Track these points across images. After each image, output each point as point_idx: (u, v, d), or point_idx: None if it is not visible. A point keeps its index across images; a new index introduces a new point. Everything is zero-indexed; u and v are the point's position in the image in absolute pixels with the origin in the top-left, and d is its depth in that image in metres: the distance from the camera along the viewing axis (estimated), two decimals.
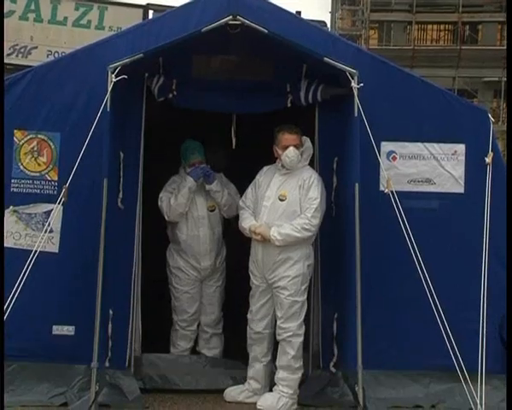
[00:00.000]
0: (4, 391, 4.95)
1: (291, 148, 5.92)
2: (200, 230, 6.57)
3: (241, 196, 6.33)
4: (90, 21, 17.76)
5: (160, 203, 6.51)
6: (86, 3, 17.88)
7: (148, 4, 18.40)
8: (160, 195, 6.55)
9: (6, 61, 17.29)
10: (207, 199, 6.61)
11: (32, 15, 17.59)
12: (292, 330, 5.89)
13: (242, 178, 6.53)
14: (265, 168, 6.24)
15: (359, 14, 39.09)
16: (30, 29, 17.43)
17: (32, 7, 17.64)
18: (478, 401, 5.35)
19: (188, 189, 6.43)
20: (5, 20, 17.79)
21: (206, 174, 6.48)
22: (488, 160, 6.01)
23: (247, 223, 6.03)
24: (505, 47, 34.20)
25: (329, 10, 42.47)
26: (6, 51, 17.57)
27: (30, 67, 6.51)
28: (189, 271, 6.62)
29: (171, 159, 6.86)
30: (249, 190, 6.22)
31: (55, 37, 17.45)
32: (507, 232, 5.86)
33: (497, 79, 34.53)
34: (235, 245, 6.53)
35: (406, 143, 6.10)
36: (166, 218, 6.55)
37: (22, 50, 17.21)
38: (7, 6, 18.00)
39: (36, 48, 17.26)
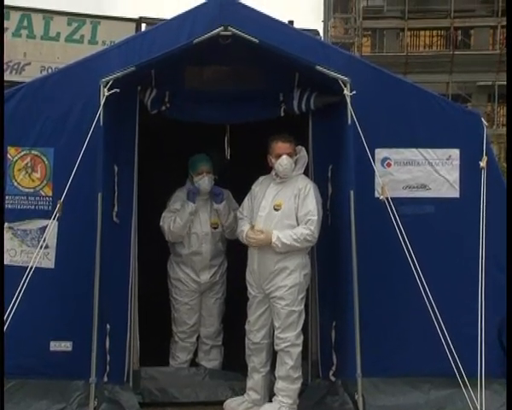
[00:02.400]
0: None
1: (284, 156, 5.92)
2: (202, 246, 6.57)
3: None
4: (82, 36, 17.79)
5: (161, 223, 6.52)
6: (79, 18, 17.92)
7: (140, 18, 18.45)
8: (163, 214, 6.55)
9: None
10: (211, 216, 6.60)
11: (24, 32, 17.61)
12: (290, 340, 5.87)
13: (238, 189, 6.52)
14: (261, 178, 6.24)
15: (352, 22, 39.23)
16: (23, 45, 17.45)
17: (25, 23, 17.67)
18: (478, 407, 5.33)
19: (188, 214, 6.44)
20: None
21: (216, 194, 6.50)
22: (482, 164, 6.00)
23: (246, 227, 6.02)
24: (498, 51, 34.44)
25: (322, 19, 42.62)
26: None
27: (24, 83, 6.49)
28: (189, 283, 6.61)
29: (169, 166, 6.86)
30: (246, 201, 6.23)
31: (48, 52, 17.47)
32: (507, 237, 5.84)
33: (490, 83, 34.64)
34: (237, 257, 6.49)
35: (400, 150, 6.09)
36: (167, 239, 6.56)
37: (16, 67, 17.22)
38: None
39: (29, 64, 17.28)
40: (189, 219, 6.45)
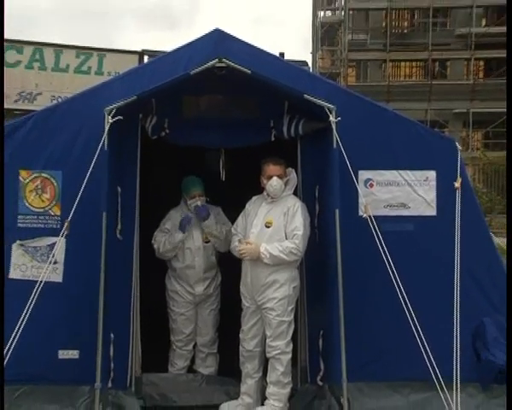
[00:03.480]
0: None
1: (274, 178, 5.94)
2: (195, 260, 6.55)
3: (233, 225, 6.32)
4: (90, 68, 17.90)
5: (153, 241, 6.51)
6: (86, 51, 18.05)
7: (143, 50, 18.56)
8: (155, 233, 6.53)
9: (14, 106, 17.42)
10: (203, 231, 6.58)
11: (36, 64, 17.73)
12: (280, 348, 5.86)
13: (233, 208, 6.52)
14: (254, 198, 6.25)
15: (338, 54, 39.51)
16: (35, 77, 17.56)
17: (37, 56, 17.79)
18: (454, 408, 5.32)
19: (177, 241, 6.43)
20: (12, 70, 18.09)
21: (198, 211, 6.45)
22: (457, 184, 6.03)
23: (239, 243, 6.03)
24: (472, 81, 34.73)
25: (311, 51, 42.87)
26: (13, 98, 17.73)
27: (35, 111, 6.50)
28: (185, 295, 6.60)
29: (169, 184, 6.88)
30: (240, 218, 6.24)
31: (58, 83, 17.56)
32: (507, 244, 5.85)
33: (465, 110, 34.91)
34: (233, 271, 6.46)
35: (382, 171, 6.10)
36: (157, 256, 6.54)
37: (28, 97, 17.31)
38: (14, 57, 18.18)
39: (40, 94, 17.37)
40: (177, 245, 6.45)
